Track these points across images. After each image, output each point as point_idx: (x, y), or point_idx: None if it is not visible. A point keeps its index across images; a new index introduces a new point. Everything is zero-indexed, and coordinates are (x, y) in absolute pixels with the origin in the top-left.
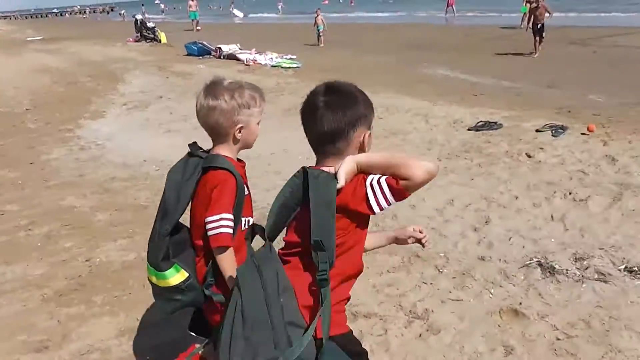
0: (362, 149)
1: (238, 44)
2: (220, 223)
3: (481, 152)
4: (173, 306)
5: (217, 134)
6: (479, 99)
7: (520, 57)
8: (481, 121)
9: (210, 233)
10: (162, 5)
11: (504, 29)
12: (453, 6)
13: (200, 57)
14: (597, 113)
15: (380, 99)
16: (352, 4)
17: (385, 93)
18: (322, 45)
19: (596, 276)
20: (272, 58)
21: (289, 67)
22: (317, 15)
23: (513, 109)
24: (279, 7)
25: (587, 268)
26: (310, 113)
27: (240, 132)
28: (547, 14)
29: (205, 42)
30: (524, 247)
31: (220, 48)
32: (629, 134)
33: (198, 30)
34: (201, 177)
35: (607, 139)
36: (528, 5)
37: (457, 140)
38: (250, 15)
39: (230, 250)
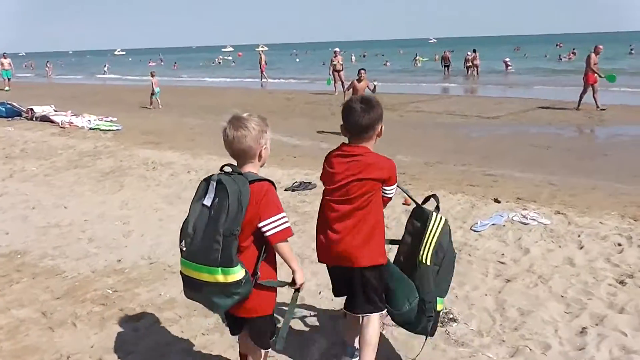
0: (380, 134)
1: (53, 105)
2: (284, 220)
3: (297, 211)
4: (232, 300)
5: (248, 156)
6: (298, 160)
7: (338, 119)
8: (297, 182)
9: (276, 230)
10: None
11: (320, 94)
12: (264, 72)
13: (9, 119)
14: (402, 172)
15: (201, 162)
16: (176, 68)
17: (207, 156)
18: (151, 107)
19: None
20: (90, 120)
21: (108, 130)
22: (153, 77)
23: None
24: (105, 68)
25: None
26: (352, 114)
27: (263, 151)
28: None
29: (15, 103)
30: (332, 299)
31: (32, 109)
32: (425, 190)
33: (8, 90)
34: None
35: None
36: (335, 74)
37: None
38: (69, 76)
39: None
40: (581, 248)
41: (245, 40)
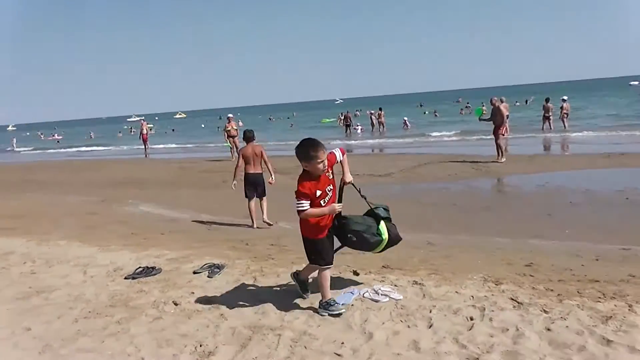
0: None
1: None
2: None
3: (127, 304)
4: None
5: None
6: (162, 239)
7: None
8: (140, 267)
9: None
10: None
11: (217, 162)
12: (147, 142)
13: None
14: (273, 243)
15: (44, 250)
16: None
17: (54, 242)
18: None
19: None
20: None
21: None
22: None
23: (191, 247)
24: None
25: None
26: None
27: None
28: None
29: None
30: None
31: None
32: (284, 267)
33: None
34: None
35: (259, 274)
36: (231, 140)
37: (106, 294)
38: None
39: None
40: (430, 327)
41: (164, 108)
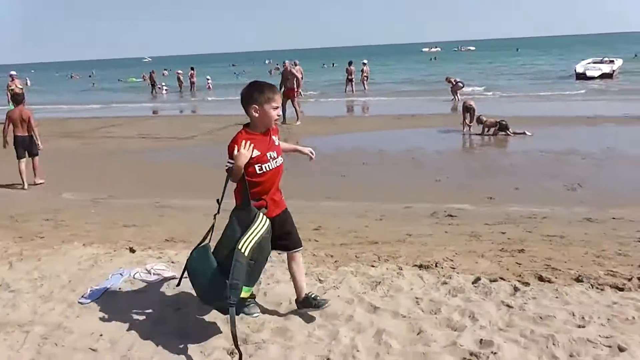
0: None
1: None
2: None
3: None
4: None
5: None
6: None
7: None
8: None
9: None
10: None
11: None
12: None
13: None
14: (48, 218)
15: None
16: None
17: None
18: None
19: None
20: None
21: None
22: None
23: None
24: None
25: None
26: None
27: None
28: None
29: None
30: None
31: None
32: (49, 248)
33: None
34: None
35: (16, 259)
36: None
37: None
38: None
39: None
40: (202, 309)
41: None
